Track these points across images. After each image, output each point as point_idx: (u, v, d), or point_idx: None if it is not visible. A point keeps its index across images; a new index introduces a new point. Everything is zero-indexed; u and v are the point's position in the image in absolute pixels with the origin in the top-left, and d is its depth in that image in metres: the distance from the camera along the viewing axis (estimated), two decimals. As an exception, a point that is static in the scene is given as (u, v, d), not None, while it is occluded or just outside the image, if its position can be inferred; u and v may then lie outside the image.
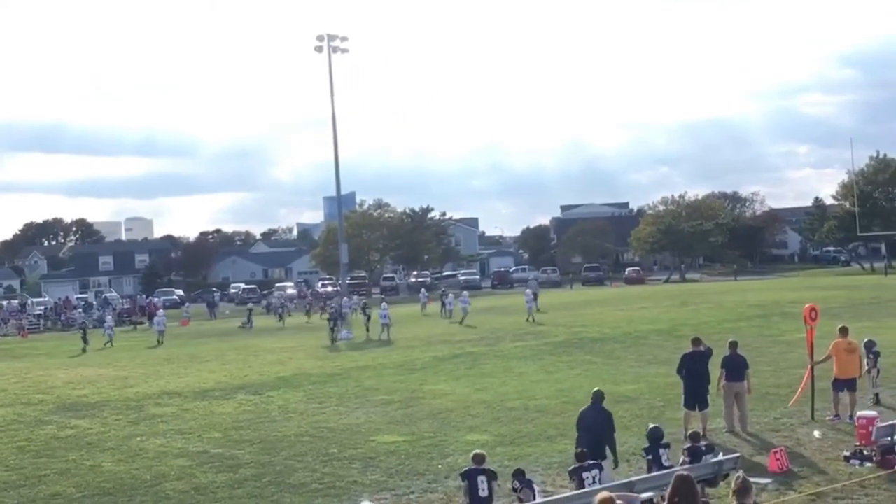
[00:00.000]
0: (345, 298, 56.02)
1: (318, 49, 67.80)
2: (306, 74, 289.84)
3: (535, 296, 56.41)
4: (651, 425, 15.03)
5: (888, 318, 38.46)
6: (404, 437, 19.77)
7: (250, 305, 65.32)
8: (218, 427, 22.13)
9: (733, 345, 19.40)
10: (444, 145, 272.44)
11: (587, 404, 15.33)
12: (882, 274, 79.64)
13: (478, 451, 13.44)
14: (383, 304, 48.49)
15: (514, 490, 13.28)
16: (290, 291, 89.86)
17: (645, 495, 13.01)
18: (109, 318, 55.85)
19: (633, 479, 13.62)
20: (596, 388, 15.57)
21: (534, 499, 12.93)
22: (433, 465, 17.07)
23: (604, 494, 8.67)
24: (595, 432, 14.65)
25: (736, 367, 18.87)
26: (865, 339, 21.28)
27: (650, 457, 14.28)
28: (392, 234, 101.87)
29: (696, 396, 18.24)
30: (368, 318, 48.36)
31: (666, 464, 14.13)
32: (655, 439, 14.41)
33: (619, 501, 8.75)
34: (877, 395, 20.73)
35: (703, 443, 15.18)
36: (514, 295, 54.97)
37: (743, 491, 8.90)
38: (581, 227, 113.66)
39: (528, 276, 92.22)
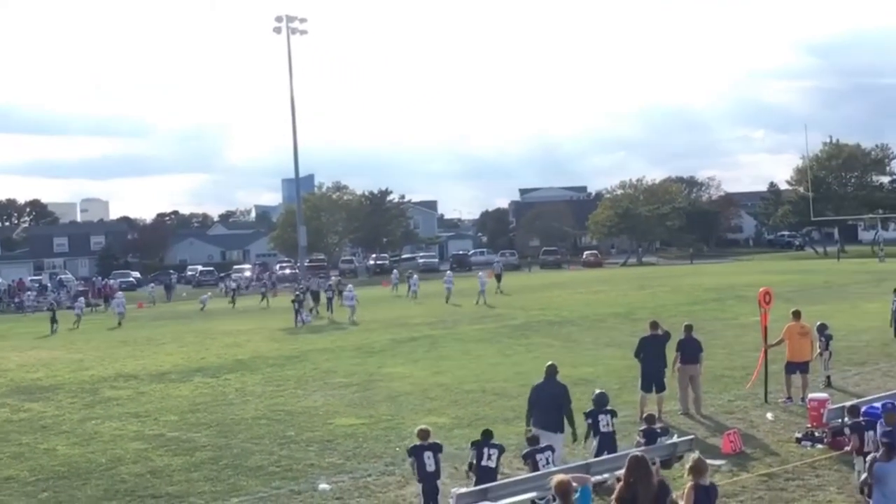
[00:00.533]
0: (321, 280, 56.87)
1: (277, 30, 67.46)
2: (265, 55, 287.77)
3: (499, 277, 58.07)
4: (597, 391, 15.45)
5: (840, 302, 39.05)
6: (362, 419, 19.81)
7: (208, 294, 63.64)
8: (174, 410, 22.03)
9: (688, 328, 19.58)
10: (404, 128, 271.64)
11: (540, 380, 15.43)
12: (835, 258, 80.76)
13: (422, 426, 13.48)
14: (349, 286, 49.47)
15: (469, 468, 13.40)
16: (247, 274, 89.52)
17: (601, 476, 13.17)
18: (81, 300, 55.61)
19: (590, 460, 13.78)
20: (549, 363, 15.68)
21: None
22: (391, 448, 17.11)
23: (560, 477, 8.76)
24: (550, 406, 14.82)
25: (691, 351, 19.07)
26: (818, 323, 21.60)
27: (590, 420, 14.80)
28: (351, 216, 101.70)
29: (652, 379, 18.42)
30: (333, 296, 49.91)
31: (604, 430, 14.62)
32: (599, 404, 14.91)
33: (574, 483, 8.84)
34: (828, 377, 21.05)
35: (658, 425, 15.38)
36: (473, 278, 55.00)
37: (698, 470, 9.06)
38: (540, 211, 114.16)
39: (491, 258, 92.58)
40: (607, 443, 14.61)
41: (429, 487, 12.74)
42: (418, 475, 12.82)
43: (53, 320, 46.65)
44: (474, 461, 13.10)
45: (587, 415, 14.85)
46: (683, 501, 9.19)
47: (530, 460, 13.37)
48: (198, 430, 19.68)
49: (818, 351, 20.80)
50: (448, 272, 58.63)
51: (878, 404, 14.67)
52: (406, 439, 17.61)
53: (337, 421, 19.82)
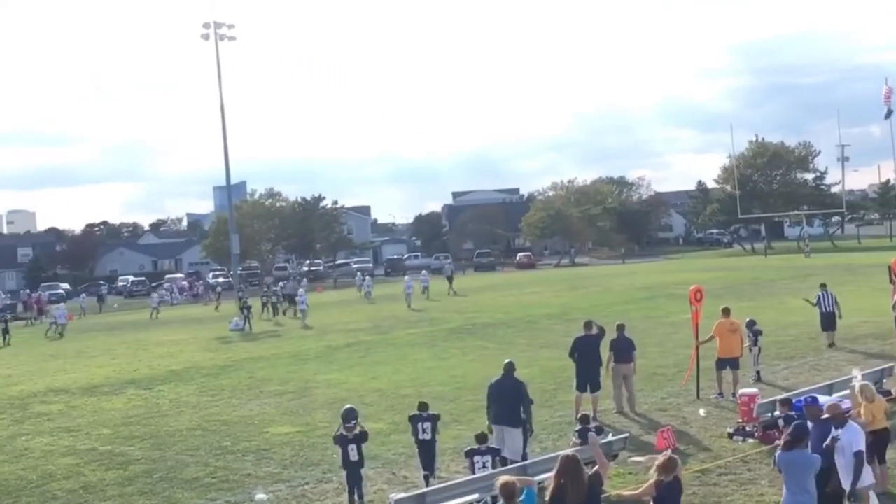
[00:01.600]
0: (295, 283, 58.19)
1: (205, 37, 66.76)
2: (194, 62, 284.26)
3: (450, 279, 60.78)
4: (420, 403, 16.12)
5: (767, 298, 39.82)
6: (298, 427, 19.70)
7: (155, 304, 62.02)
8: (107, 423, 21.70)
9: (620, 327, 19.85)
10: (336, 133, 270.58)
11: (497, 376, 15.61)
12: (762, 255, 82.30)
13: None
14: (301, 290, 49.94)
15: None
16: (182, 283, 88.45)
17: (539, 477, 13.26)
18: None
19: (527, 462, 13.88)
20: (508, 360, 15.88)
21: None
22: (328, 455, 17.01)
23: (505, 478, 8.82)
24: (509, 401, 15.00)
25: (623, 350, 19.37)
26: (747, 319, 22.02)
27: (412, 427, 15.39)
28: (284, 223, 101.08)
29: (587, 379, 18.57)
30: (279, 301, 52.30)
31: (422, 437, 15.06)
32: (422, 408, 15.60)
33: (519, 484, 8.91)
34: (758, 372, 21.46)
35: (593, 424, 15.55)
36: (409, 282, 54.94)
37: (666, 468, 9.21)
38: (472, 214, 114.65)
39: (428, 262, 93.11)
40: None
41: (351, 476, 13.64)
42: (342, 464, 13.72)
43: (6, 331, 46.09)
44: (413, 436, 14.16)
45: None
46: (639, 491, 9.42)
47: (469, 459, 13.53)
48: (131, 443, 19.41)
49: (747, 346, 21.24)
50: (423, 272, 59.11)
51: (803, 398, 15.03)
52: (343, 446, 17.61)
53: (273, 429, 19.69)
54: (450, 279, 61.27)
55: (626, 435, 15.82)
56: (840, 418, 10.95)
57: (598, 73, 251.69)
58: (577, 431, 14.88)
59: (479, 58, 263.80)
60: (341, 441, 13.77)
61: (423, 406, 14.94)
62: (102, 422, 21.97)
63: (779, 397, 15.83)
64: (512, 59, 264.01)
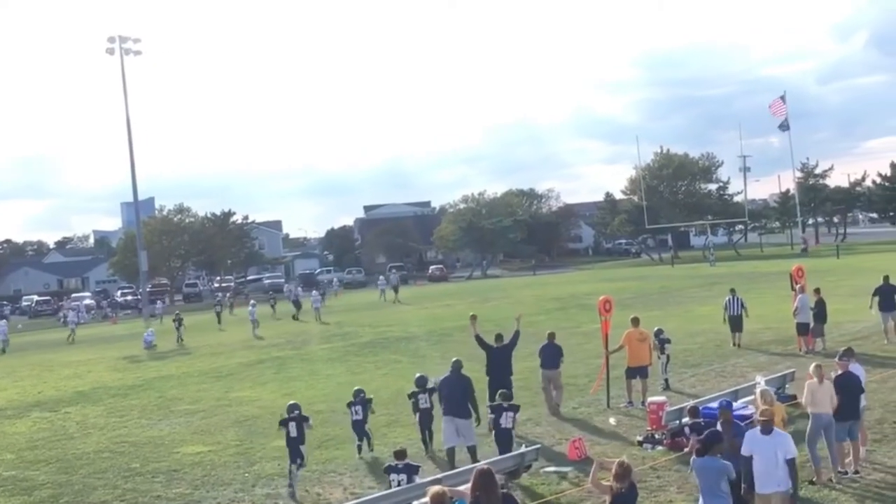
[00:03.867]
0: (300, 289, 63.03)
1: (110, 51, 65.82)
2: (99, 77, 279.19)
3: (396, 289, 64.58)
4: (417, 374, 18.07)
5: (675, 306, 40.59)
6: (210, 446, 19.46)
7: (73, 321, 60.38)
8: (10, 448, 21.17)
9: (551, 335, 20.80)
10: (246, 148, 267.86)
11: (446, 374, 17.00)
12: (669, 264, 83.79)
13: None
14: (252, 301, 50.77)
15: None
16: (88, 302, 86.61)
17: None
18: None
19: (440, 475, 13.91)
20: (455, 358, 17.34)
21: None
22: (240, 474, 16.89)
23: (436, 489, 8.85)
24: (458, 396, 16.21)
25: (550, 356, 20.29)
26: (655, 328, 22.45)
27: (413, 400, 17.44)
28: (193, 239, 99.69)
29: (500, 388, 18.72)
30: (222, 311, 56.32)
31: (423, 406, 17.23)
32: (420, 385, 17.45)
33: (450, 495, 8.95)
34: (666, 380, 21.87)
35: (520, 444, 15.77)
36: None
37: (620, 476, 9.32)
38: (384, 227, 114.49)
39: (339, 275, 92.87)
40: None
41: (292, 449, 15.82)
42: (286, 440, 16.06)
43: None
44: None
45: (409, 395, 17.76)
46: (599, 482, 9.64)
47: (386, 475, 13.87)
48: (36, 467, 18.96)
49: (657, 355, 21.68)
50: (314, 291, 59.16)
51: (713, 405, 15.35)
52: (255, 465, 17.49)
53: (184, 449, 19.42)
54: (395, 289, 65.02)
55: (538, 446, 15.97)
56: (769, 424, 11.14)
57: (508, 86, 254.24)
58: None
59: (390, 71, 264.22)
60: (283, 422, 16.27)
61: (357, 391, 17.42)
62: (6, 446, 21.43)
63: (686, 405, 16.14)
64: (422, 71, 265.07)
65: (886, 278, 26.52)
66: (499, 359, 19.21)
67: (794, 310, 25.90)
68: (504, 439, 15.59)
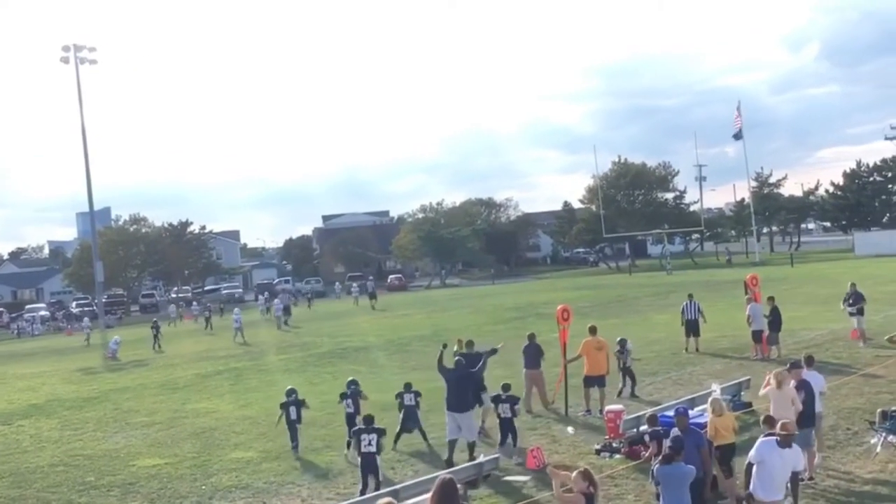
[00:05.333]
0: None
1: (65, 60, 65.22)
2: (54, 85, 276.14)
3: (373, 296, 66.69)
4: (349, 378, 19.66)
5: (632, 315, 40.85)
6: (166, 459, 19.28)
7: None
8: (-37, 462, 20.82)
9: (531, 336, 21.71)
10: (202, 157, 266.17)
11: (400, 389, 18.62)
12: (627, 273, 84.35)
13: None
14: (236, 309, 51.72)
15: None
16: (43, 313, 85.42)
17: (414, 500, 13.30)
18: None
19: (398, 486, 13.90)
20: (457, 357, 18.37)
21: None
22: (197, 487, 16.75)
23: (385, 500, 8.82)
24: (460, 392, 17.13)
25: (532, 356, 21.12)
26: (618, 339, 22.64)
27: (343, 402, 18.85)
28: (150, 249, 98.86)
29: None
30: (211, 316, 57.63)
31: (349, 411, 18.49)
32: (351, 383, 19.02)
33: None
34: (623, 388, 22.02)
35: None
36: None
37: (587, 476, 9.37)
38: (343, 237, 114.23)
39: (299, 286, 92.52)
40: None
41: (293, 431, 18.75)
42: (286, 422, 18.81)
43: None
44: (357, 450, 15.20)
45: (341, 396, 18.96)
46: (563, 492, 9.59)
47: (356, 439, 15.30)
48: (-11, 481, 18.68)
49: (622, 364, 22.10)
50: (276, 301, 59.37)
51: (671, 413, 15.46)
52: (212, 477, 17.35)
53: (139, 462, 19.22)
54: (371, 295, 66.93)
55: (497, 456, 16.01)
56: (790, 439, 11.19)
57: (464, 96, 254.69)
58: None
59: (346, 80, 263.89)
60: (283, 405, 19.05)
61: (367, 419, 15.79)
62: (-42, 461, 21.08)
63: (645, 412, 16.25)
64: (379, 80, 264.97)
65: (853, 285, 27.21)
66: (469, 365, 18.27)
67: (748, 318, 26.30)
68: (504, 428, 16.95)
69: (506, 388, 17.32)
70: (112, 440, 22.00)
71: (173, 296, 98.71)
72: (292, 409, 18.83)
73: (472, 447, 16.85)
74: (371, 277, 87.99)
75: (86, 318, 62.99)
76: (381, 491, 13.33)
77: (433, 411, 20.82)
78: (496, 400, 17.31)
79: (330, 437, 20.02)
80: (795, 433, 11.38)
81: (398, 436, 18.27)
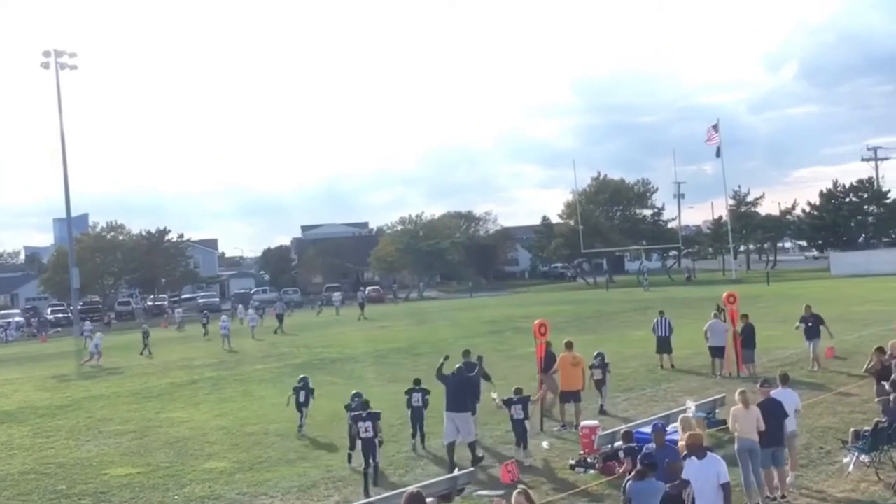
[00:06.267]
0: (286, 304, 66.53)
1: (45, 65, 65.05)
2: (33, 90, 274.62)
3: (363, 306, 66.98)
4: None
5: (609, 331, 40.95)
6: (139, 468, 19.18)
7: None
8: (-68, 469, 20.62)
9: (548, 344, 22.01)
10: (182, 166, 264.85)
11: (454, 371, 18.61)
12: (604, 288, 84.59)
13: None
14: (223, 316, 51.37)
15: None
16: (17, 319, 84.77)
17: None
18: None
19: (373, 498, 13.88)
20: (465, 361, 19.16)
21: None
22: (169, 496, 16.67)
23: None
24: (458, 394, 17.92)
25: (551, 363, 21.36)
26: (595, 353, 22.71)
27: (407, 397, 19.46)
28: (127, 257, 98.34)
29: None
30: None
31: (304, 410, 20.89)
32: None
33: None
34: (601, 405, 22.08)
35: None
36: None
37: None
38: (322, 248, 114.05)
39: (273, 297, 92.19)
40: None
41: (301, 411, 21.49)
42: (295, 404, 21.57)
43: None
44: (356, 434, 16.60)
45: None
46: None
47: (354, 426, 16.74)
48: (-41, 489, 18.51)
49: (598, 378, 22.09)
50: (250, 310, 59.48)
51: (646, 429, 15.50)
52: (185, 487, 17.27)
53: (112, 471, 19.11)
54: (362, 306, 67.30)
55: (472, 469, 16.01)
56: (701, 449, 11.25)
57: (446, 109, 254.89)
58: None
59: (327, 90, 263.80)
60: (295, 390, 21.53)
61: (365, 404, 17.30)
62: (-73, 467, 20.88)
63: (620, 429, 16.29)
64: (360, 91, 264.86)
65: (808, 308, 27.15)
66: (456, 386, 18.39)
67: (705, 333, 26.59)
68: (518, 430, 17.61)
69: (518, 391, 18.06)
70: (84, 448, 21.86)
71: (149, 304, 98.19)
72: (301, 393, 21.58)
73: (472, 447, 17.59)
74: (363, 289, 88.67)
75: (87, 323, 62.77)
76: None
77: (408, 425, 20.85)
78: (508, 403, 17.84)
79: (304, 448, 19.99)
80: (699, 443, 11.36)
81: (414, 434, 19.30)
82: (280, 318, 57.49)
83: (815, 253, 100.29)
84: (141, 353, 45.27)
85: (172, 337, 58.05)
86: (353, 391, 18.95)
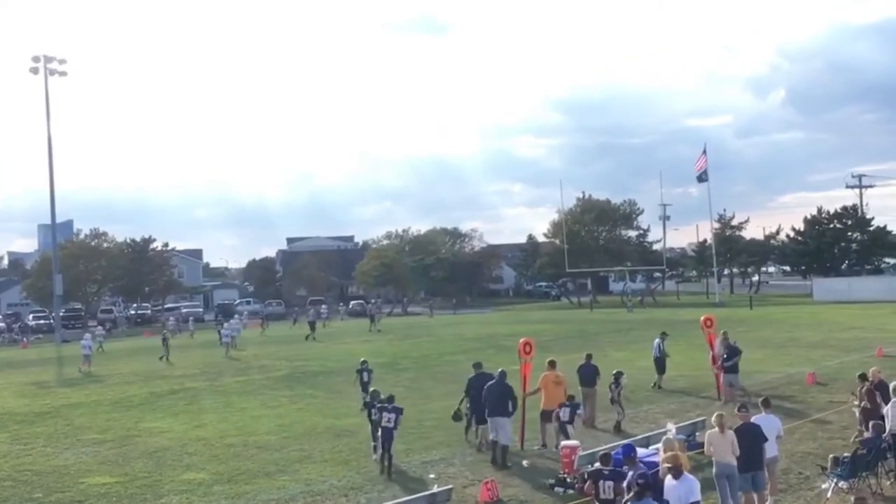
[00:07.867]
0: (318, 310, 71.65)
1: (34, 70, 64.91)
2: (19, 95, 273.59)
3: (373, 318, 67.76)
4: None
5: (592, 351, 40.45)
6: (116, 478, 19.06)
7: None
8: None
9: (588, 356, 24.32)
10: (168, 175, 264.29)
11: (492, 381, 19.55)
12: (588, 308, 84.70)
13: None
14: (224, 324, 52.65)
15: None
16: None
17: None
18: None
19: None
20: (501, 369, 20.20)
21: None
22: (146, 507, 16.58)
23: None
24: (499, 399, 19.08)
25: (588, 375, 23.52)
26: (614, 371, 23.31)
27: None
28: (111, 264, 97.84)
29: (480, 412, 19.97)
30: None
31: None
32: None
33: None
34: (619, 422, 22.32)
35: None
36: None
37: None
38: (307, 260, 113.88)
39: (257, 308, 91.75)
40: None
41: (364, 389, 22.86)
42: (360, 385, 24.68)
43: None
44: (378, 423, 18.24)
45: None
46: None
47: (378, 414, 18.23)
48: (-66, 494, 18.37)
49: (610, 396, 22.61)
50: (233, 322, 59.13)
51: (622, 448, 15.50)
52: (163, 497, 17.18)
53: (89, 480, 18.98)
54: (372, 318, 67.45)
55: (451, 487, 15.97)
56: (679, 469, 11.36)
57: (432, 125, 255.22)
58: None
59: (314, 102, 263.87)
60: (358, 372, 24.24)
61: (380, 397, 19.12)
62: None
63: (599, 450, 16.27)
64: (350, 103, 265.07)
65: (725, 334, 27.20)
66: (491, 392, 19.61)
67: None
68: (562, 432, 19.01)
69: (570, 397, 19.72)
70: (62, 456, 21.73)
71: (132, 312, 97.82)
72: (364, 374, 25.14)
73: (504, 451, 18.71)
74: (372, 301, 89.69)
75: (99, 327, 62.57)
76: None
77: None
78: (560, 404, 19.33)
79: (284, 460, 19.91)
80: (677, 464, 11.69)
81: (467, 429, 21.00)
82: (312, 325, 59.90)
83: (798, 279, 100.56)
84: (161, 359, 45.53)
85: (184, 344, 57.71)
86: (372, 389, 20.61)
